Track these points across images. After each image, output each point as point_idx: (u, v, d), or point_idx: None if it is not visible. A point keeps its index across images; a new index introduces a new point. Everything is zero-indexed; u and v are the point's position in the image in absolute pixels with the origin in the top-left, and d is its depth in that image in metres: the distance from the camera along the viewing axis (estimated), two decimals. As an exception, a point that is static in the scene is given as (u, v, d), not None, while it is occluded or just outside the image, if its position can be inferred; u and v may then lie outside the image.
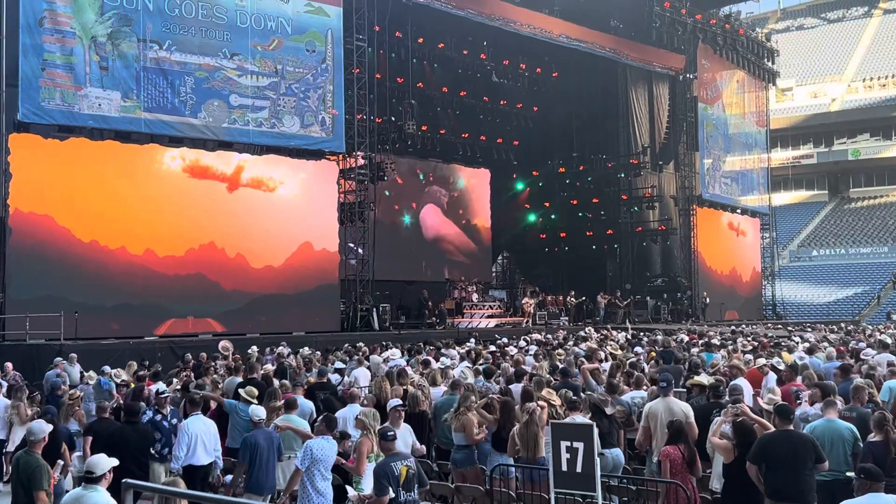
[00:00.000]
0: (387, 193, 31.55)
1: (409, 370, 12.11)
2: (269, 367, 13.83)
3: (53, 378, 14.02)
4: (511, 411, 8.71)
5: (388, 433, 7.34)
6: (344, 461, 8.14)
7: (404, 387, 11.18)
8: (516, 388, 10.78)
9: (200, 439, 8.84)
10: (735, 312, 39.31)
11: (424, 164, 36.21)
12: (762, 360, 12.45)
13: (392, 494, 6.84)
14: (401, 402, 9.10)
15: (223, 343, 17.63)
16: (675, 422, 8.09)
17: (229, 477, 9.04)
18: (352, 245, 26.16)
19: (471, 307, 30.25)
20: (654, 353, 15.60)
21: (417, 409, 10.22)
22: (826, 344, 17.34)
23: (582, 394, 9.94)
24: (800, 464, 6.95)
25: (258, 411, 8.81)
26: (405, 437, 8.47)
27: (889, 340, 17.44)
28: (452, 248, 37.21)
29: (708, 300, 37.27)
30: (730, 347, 16.79)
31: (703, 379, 10.00)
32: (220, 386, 12.21)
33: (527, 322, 30.22)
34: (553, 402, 8.81)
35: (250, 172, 23.73)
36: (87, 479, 6.05)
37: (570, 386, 10.49)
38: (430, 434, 10.26)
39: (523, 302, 31.68)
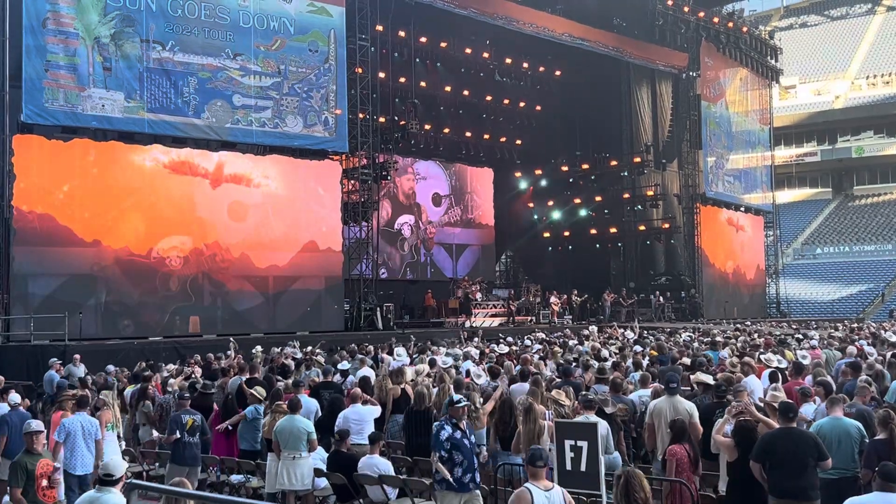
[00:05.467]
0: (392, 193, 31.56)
1: (407, 370, 12.15)
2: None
3: (58, 379, 14.04)
4: (512, 409, 8.72)
5: (185, 395, 10.24)
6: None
7: (401, 385, 11.20)
8: (519, 387, 10.75)
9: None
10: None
11: (428, 164, 36.21)
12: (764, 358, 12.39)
13: (178, 436, 9.58)
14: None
15: (232, 341, 17.63)
16: (678, 420, 8.06)
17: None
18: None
19: (474, 306, 30.24)
20: (654, 352, 15.52)
21: (423, 406, 10.24)
22: (835, 341, 17.23)
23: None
24: (802, 461, 6.94)
25: (14, 398, 10.60)
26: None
27: (894, 338, 17.36)
28: (456, 247, 37.21)
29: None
30: (737, 344, 16.61)
31: (706, 378, 9.91)
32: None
33: (552, 321, 30.04)
34: (563, 402, 8.79)
35: (253, 173, 23.72)
36: (105, 481, 6.02)
37: (572, 385, 10.47)
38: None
39: (551, 301, 31.58)
